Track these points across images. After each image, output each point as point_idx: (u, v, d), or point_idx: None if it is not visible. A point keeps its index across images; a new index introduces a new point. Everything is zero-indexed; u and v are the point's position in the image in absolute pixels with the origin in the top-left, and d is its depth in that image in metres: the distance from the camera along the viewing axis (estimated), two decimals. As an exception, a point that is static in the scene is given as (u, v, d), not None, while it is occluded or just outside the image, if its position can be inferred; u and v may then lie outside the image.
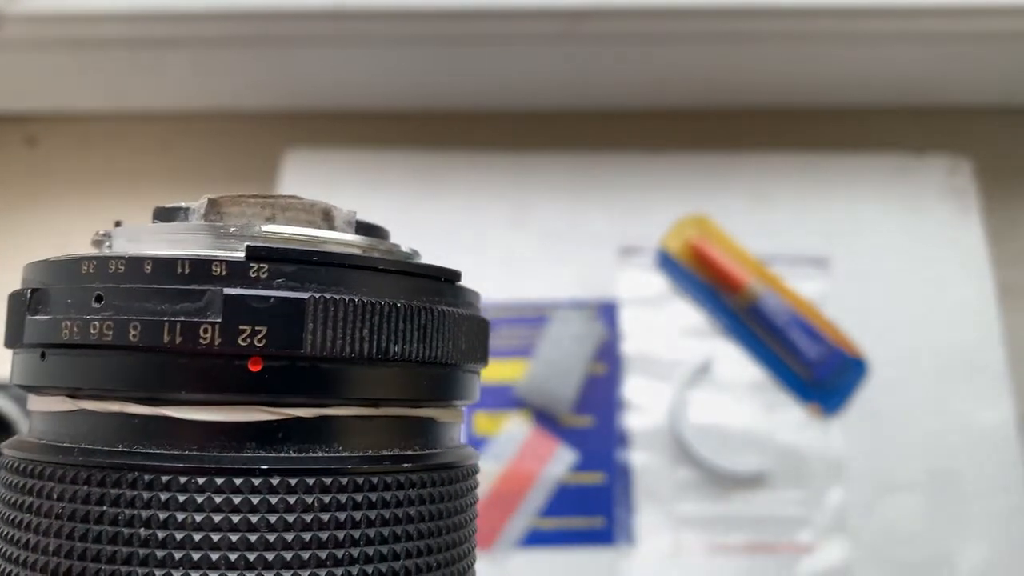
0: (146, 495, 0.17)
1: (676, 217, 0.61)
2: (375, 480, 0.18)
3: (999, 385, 0.58)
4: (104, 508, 0.17)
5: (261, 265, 0.17)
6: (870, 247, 0.62)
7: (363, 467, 0.18)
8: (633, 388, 0.58)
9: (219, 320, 0.17)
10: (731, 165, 0.64)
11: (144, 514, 0.17)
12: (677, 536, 0.55)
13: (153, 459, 0.17)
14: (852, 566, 0.55)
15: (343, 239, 0.20)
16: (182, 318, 0.17)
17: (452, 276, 0.21)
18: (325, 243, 0.20)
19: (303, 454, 0.18)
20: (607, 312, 0.60)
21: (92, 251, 0.21)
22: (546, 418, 0.58)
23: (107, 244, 0.21)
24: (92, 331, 0.17)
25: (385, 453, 0.19)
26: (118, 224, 0.22)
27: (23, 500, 0.18)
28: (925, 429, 0.58)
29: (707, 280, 0.60)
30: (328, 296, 0.18)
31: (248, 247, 0.18)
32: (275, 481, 0.17)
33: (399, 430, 0.19)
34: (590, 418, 0.58)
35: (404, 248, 0.22)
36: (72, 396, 0.18)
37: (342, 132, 0.67)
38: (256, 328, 0.17)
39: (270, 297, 0.17)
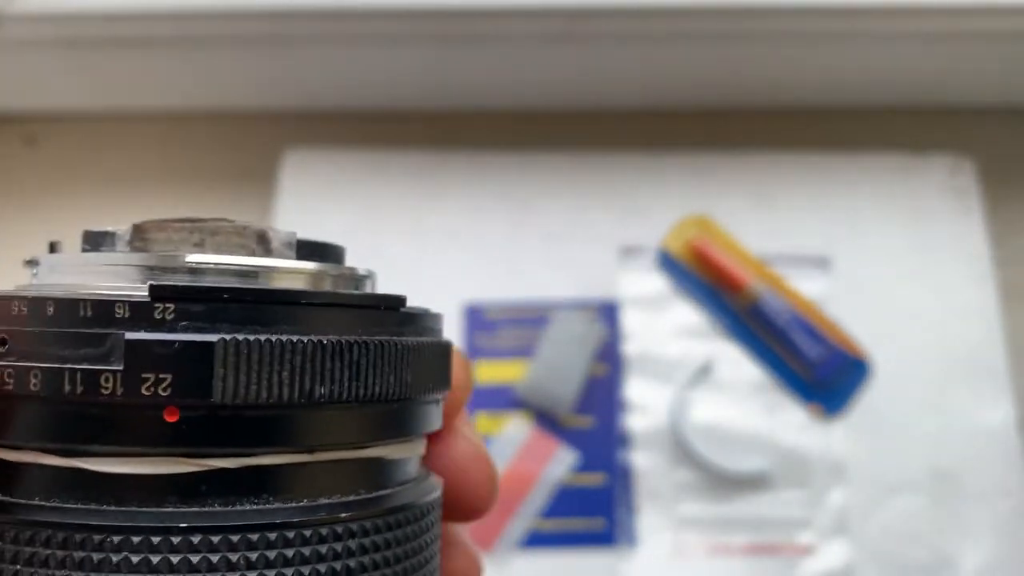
0: (60, 554, 0.16)
1: (677, 217, 0.61)
2: (308, 533, 0.17)
3: (1001, 385, 0.58)
4: (18, 567, 0.16)
5: (167, 305, 0.16)
6: (871, 247, 0.61)
7: (294, 519, 0.17)
8: (634, 389, 0.58)
9: (120, 368, 0.16)
10: (732, 165, 0.64)
11: (59, 574, 0.16)
12: (678, 537, 0.55)
13: (68, 515, 0.16)
14: (853, 567, 0.55)
15: (283, 266, 0.19)
16: (84, 365, 0.16)
17: (394, 303, 0.19)
18: (261, 272, 0.18)
19: (228, 508, 0.16)
20: (608, 312, 0.60)
21: (17, 282, 0.20)
22: (546, 419, 0.57)
23: (34, 272, 0.20)
24: None
25: (322, 502, 0.17)
26: (53, 247, 0.20)
27: None
28: (927, 430, 0.57)
29: (708, 280, 0.60)
30: (240, 338, 0.16)
31: (151, 286, 0.16)
32: (196, 539, 0.16)
33: (339, 475, 0.18)
34: (591, 419, 0.58)
35: (360, 270, 0.20)
36: None
37: (342, 132, 0.67)
38: (160, 376, 0.16)
39: (175, 341, 0.16)
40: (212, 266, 0.18)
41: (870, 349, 0.58)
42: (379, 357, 0.18)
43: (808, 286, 0.60)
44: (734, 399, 0.58)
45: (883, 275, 0.61)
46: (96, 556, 0.16)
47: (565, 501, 0.56)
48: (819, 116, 0.67)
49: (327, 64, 0.62)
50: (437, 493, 0.20)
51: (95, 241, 0.19)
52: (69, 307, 0.16)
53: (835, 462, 0.57)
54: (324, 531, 0.17)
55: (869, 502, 0.56)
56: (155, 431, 0.16)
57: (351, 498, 0.18)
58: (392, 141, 0.65)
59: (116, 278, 0.18)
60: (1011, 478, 0.56)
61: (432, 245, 0.61)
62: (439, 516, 0.20)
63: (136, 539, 0.16)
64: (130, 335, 0.16)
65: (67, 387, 0.16)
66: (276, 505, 0.17)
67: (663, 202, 0.62)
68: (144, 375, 0.16)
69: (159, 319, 0.16)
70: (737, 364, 0.58)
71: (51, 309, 0.16)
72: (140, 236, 0.19)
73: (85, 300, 0.16)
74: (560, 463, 0.57)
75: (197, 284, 0.17)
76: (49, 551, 0.16)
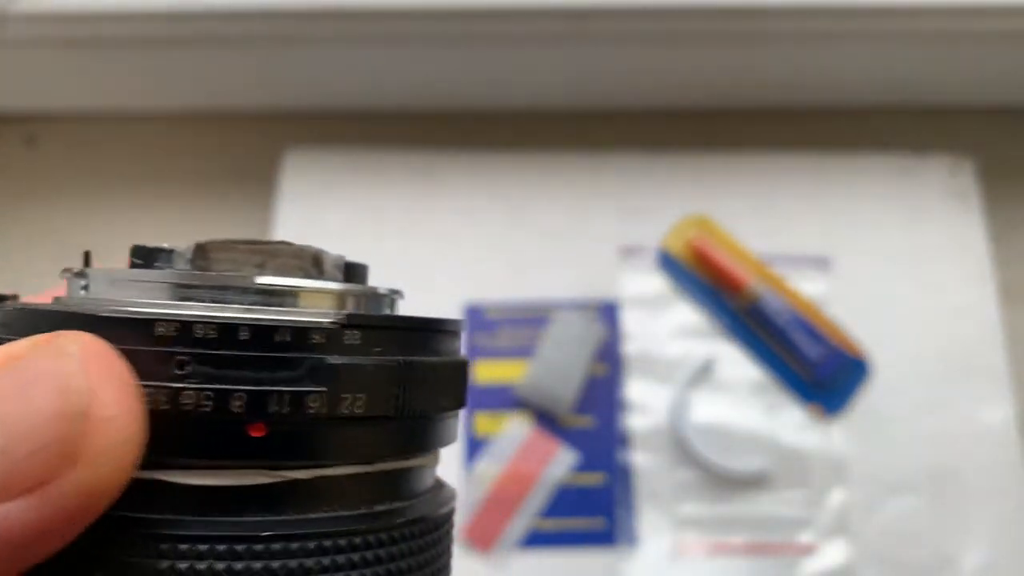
0: (146, 562, 0.17)
1: (677, 217, 0.61)
2: (371, 538, 0.18)
3: (1000, 385, 0.58)
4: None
5: (354, 332, 0.18)
6: (871, 247, 0.61)
7: (361, 526, 0.18)
8: (634, 389, 0.58)
9: (324, 389, 0.17)
10: (732, 165, 0.64)
11: None
12: (678, 537, 0.55)
13: (155, 525, 0.17)
14: (854, 567, 0.55)
15: (330, 288, 0.20)
16: (284, 387, 0.17)
17: (455, 327, 0.22)
18: (305, 293, 0.19)
19: (303, 516, 0.18)
20: (608, 312, 0.60)
21: (62, 286, 0.21)
22: (547, 419, 0.57)
23: (83, 284, 0.20)
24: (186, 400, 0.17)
25: (378, 509, 0.19)
26: (87, 260, 0.21)
27: None
28: (926, 429, 0.57)
29: (708, 280, 0.60)
30: (414, 360, 0.19)
31: (348, 315, 0.18)
32: (276, 546, 0.17)
33: (390, 484, 0.20)
34: (591, 419, 0.58)
35: (381, 290, 0.22)
36: None
37: (342, 132, 0.67)
38: (357, 395, 0.18)
39: (370, 364, 0.18)
40: (277, 287, 0.19)
41: (870, 349, 0.59)
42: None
43: (808, 286, 0.60)
44: (734, 399, 0.58)
45: (883, 275, 0.61)
46: (181, 564, 0.17)
47: (565, 501, 0.56)
48: (819, 116, 0.67)
49: (327, 64, 0.62)
50: (454, 500, 0.22)
51: (148, 256, 0.20)
52: (265, 332, 0.17)
53: (835, 462, 0.57)
54: (383, 536, 0.18)
55: (869, 502, 0.56)
56: (240, 446, 0.17)
57: (398, 504, 0.19)
58: (392, 141, 0.65)
59: (183, 295, 0.19)
60: (1011, 478, 0.56)
61: (432, 245, 0.61)
62: (452, 528, 0.22)
63: (221, 547, 0.17)
64: (331, 359, 0.18)
65: (273, 407, 0.17)
66: (343, 513, 0.18)
67: (663, 202, 0.62)
68: (343, 395, 0.18)
69: (349, 344, 0.18)
70: (737, 364, 0.59)
71: (245, 334, 0.17)
72: (204, 255, 0.20)
73: (283, 326, 0.18)
74: (560, 463, 0.57)
75: (379, 314, 0.20)
76: (135, 559, 0.17)
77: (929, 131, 0.66)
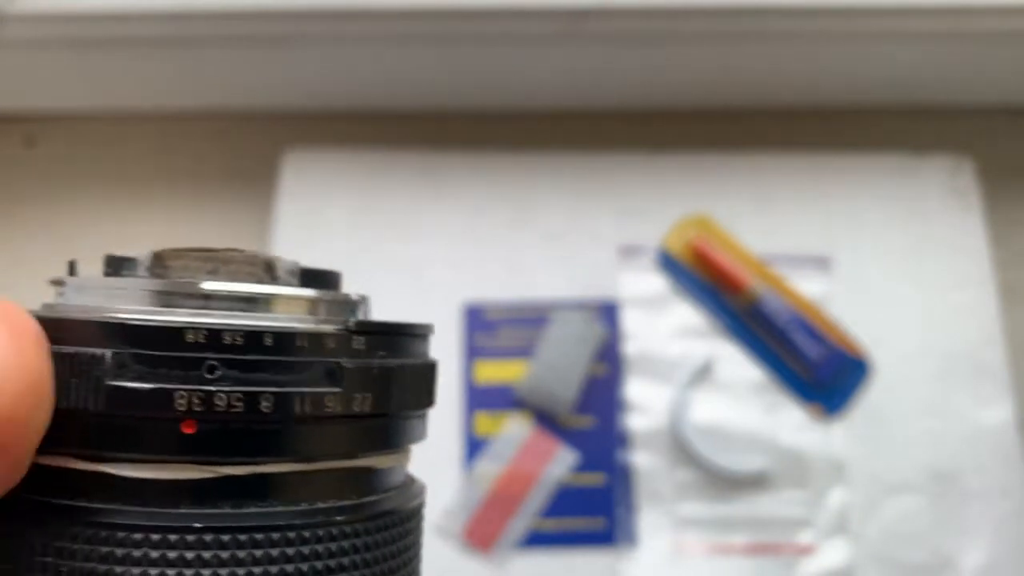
0: (86, 548, 0.18)
1: (677, 217, 0.61)
2: (307, 534, 0.19)
3: (1001, 386, 0.58)
4: (48, 559, 0.18)
5: (359, 337, 0.20)
6: (872, 247, 0.61)
7: (295, 522, 0.19)
8: (634, 389, 0.58)
9: (339, 390, 0.19)
10: (732, 165, 0.64)
11: (86, 567, 0.18)
12: (678, 537, 0.55)
13: (98, 515, 0.18)
14: (853, 567, 0.55)
15: (286, 293, 0.21)
16: (306, 388, 0.19)
17: (425, 331, 0.23)
18: (264, 299, 0.20)
19: (237, 510, 0.19)
20: (608, 312, 0.60)
21: (54, 295, 0.22)
22: (546, 419, 0.57)
23: (60, 292, 0.21)
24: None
25: (319, 506, 0.20)
26: (72, 269, 0.22)
27: None
28: (927, 430, 0.57)
29: (708, 280, 0.60)
30: (406, 363, 0.20)
31: (357, 322, 0.20)
32: (208, 538, 0.18)
33: (334, 482, 0.20)
34: (591, 419, 0.58)
35: (353, 296, 0.22)
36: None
37: (342, 132, 0.67)
38: (365, 395, 0.20)
39: (375, 367, 0.20)
40: (224, 292, 0.20)
41: (870, 349, 0.58)
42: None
43: (808, 286, 0.60)
44: (734, 399, 0.58)
45: (883, 275, 0.61)
46: (119, 551, 0.18)
47: (565, 501, 0.56)
48: (819, 116, 0.67)
49: (327, 64, 0.62)
50: (420, 500, 0.23)
51: (116, 265, 0.21)
52: (287, 338, 0.19)
53: (835, 462, 0.57)
54: (321, 532, 0.19)
55: (869, 502, 0.56)
56: (175, 442, 0.18)
57: (344, 503, 0.20)
58: (392, 141, 0.65)
59: (138, 301, 0.20)
60: (1011, 478, 0.56)
61: (432, 245, 0.61)
62: (421, 521, 0.23)
63: (155, 537, 0.18)
64: (345, 362, 0.19)
65: (297, 408, 0.19)
66: (279, 508, 0.19)
67: (663, 202, 0.62)
68: (355, 394, 0.19)
69: (357, 349, 0.20)
70: (737, 364, 0.59)
71: (270, 340, 0.19)
72: (159, 263, 0.21)
73: (303, 332, 0.19)
74: (560, 463, 0.57)
75: (378, 321, 0.21)
76: (77, 546, 0.18)
77: (929, 131, 0.66)
